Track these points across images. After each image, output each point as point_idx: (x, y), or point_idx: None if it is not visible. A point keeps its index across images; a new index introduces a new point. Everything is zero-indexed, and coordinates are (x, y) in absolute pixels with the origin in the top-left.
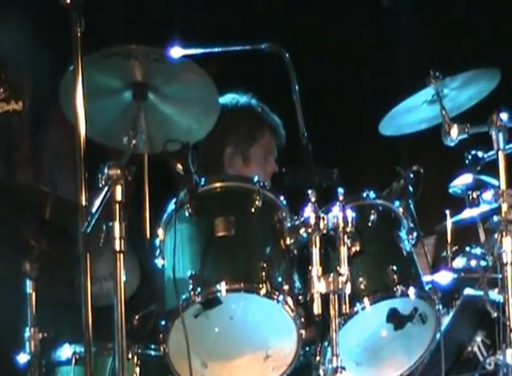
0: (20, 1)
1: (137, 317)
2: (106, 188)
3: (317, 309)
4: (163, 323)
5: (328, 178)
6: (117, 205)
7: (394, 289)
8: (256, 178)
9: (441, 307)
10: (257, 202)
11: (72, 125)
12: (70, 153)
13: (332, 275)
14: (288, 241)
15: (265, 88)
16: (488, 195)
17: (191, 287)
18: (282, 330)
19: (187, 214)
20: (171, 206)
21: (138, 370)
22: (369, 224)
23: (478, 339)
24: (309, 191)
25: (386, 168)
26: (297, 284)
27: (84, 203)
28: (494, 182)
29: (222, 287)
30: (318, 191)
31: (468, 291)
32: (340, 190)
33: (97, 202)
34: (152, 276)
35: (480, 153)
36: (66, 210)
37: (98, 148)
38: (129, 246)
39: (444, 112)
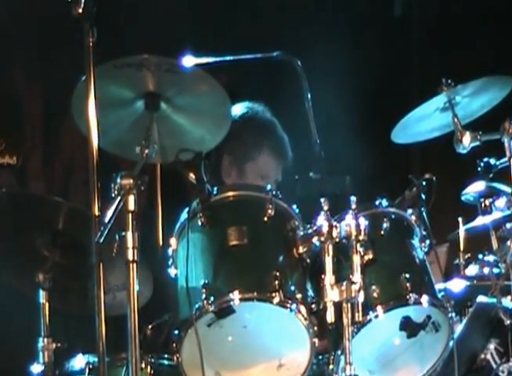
0: (33, 12)
1: (150, 327)
2: (119, 198)
3: (330, 317)
4: (176, 332)
5: (340, 186)
6: (130, 215)
7: (407, 297)
8: (269, 187)
9: (454, 315)
10: (269, 211)
11: (84, 136)
12: (82, 164)
13: (345, 283)
14: (301, 250)
15: (277, 97)
16: (500, 202)
17: (204, 296)
18: (295, 338)
19: (200, 223)
20: (184, 215)
21: None
22: (382, 232)
23: (491, 347)
24: (322, 199)
25: (398, 176)
26: (310, 293)
27: (97, 213)
28: (506, 189)
29: (235, 296)
30: (330, 199)
31: (481, 299)
32: (353, 199)
33: (110, 212)
34: (165, 285)
35: (492, 161)
36: (79, 220)
37: (110, 158)
38: (142, 256)
39: (456, 119)
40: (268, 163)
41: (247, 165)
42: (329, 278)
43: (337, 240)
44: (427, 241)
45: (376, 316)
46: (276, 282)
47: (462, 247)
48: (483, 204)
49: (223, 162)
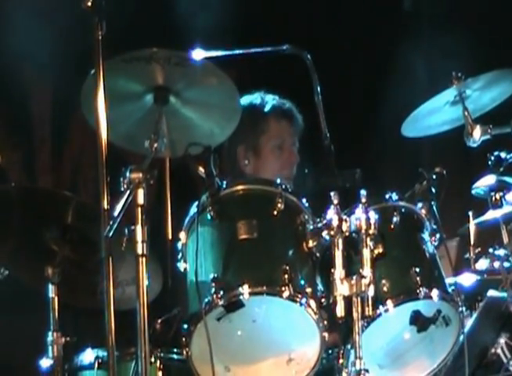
0: (42, 6)
1: (159, 321)
2: (128, 192)
3: (340, 311)
4: (185, 326)
5: (350, 179)
6: (139, 209)
7: (418, 291)
8: (278, 181)
9: (464, 309)
10: (279, 205)
11: (93, 130)
12: (91, 158)
13: (355, 277)
14: (311, 244)
15: (286, 91)
16: (511, 196)
17: (213, 290)
18: (305, 333)
19: (209, 217)
20: (193, 209)
21: (160, 374)
22: (392, 226)
23: (502, 341)
24: (332, 193)
25: (408, 170)
26: (320, 287)
27: (106, 207)
28: None
29: (245, 290)
30: (340, 193)
31: (491, 293)
32: (363, 192)
33: (119, 206)
34: (174, 280)
35: (503, 154)
36: (88, 215)
37: (119, 152)
38: (151, 250)
39: (466, 113)
40: (279, 126)
41: (261, 141)
42: (338, 272)
43: (347, 234)
44: (437, 235)
45: (386, 311)
46: (286, 276)
47: (472, 241)
48: (493, 198)
49: (238, 154)
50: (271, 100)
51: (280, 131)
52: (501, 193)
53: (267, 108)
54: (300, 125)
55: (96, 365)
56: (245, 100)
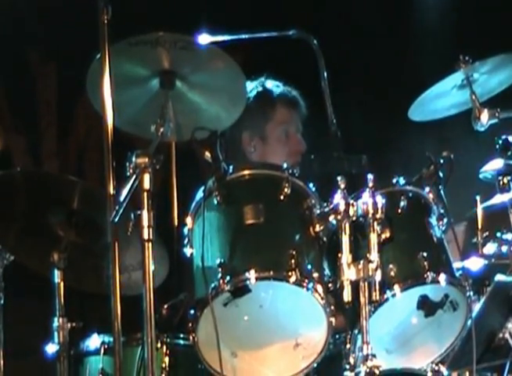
0: None
1: (166, 306)
2: (134, 177)
3: (347, 296)
4: (192, 312)
5: (357, 165)
6: (145, 194)
7: (425, 276)
8: (285, 166)
9: (472, 294)
10: (286, 189)
11: (99, 114)
12: (96, 143)
13: (362, 262)
14: (317, 228)
15: (293, 76)
16: None
17: (220, 275)
18: (312, 318)
19: (215, 202)
20: (200, 194)
21: (167, 359)
22: (399, 210)
23: (510, 326)
24: (338, 178)
25: (416, 154)
26: (327, 272)
27: (112, 192)
28: None
29: (251, 275)
30: (347, 178)
31: (499, 277)
32: (370, 177)
33: (125, 191)
34: (180, 265)
35: (510, 138)
36: (93, 199)
37: (125, 137)
38: (157, 235)
39: (474, 97)
40: (286, 113)
41: (268, 127)
42: (345, 257)
43: (354, 218)
44: (445, 219)
45: (394, 295)
46: (293, 261)
47: (480, 226)
48: (501, 182)
49: (243, 141)
50: (276, 87)
51: (287, 118)
52: (509, 177)
53: (274, 95)
54: (304, 112)
55: (102, 350)
56: (249, 87)
